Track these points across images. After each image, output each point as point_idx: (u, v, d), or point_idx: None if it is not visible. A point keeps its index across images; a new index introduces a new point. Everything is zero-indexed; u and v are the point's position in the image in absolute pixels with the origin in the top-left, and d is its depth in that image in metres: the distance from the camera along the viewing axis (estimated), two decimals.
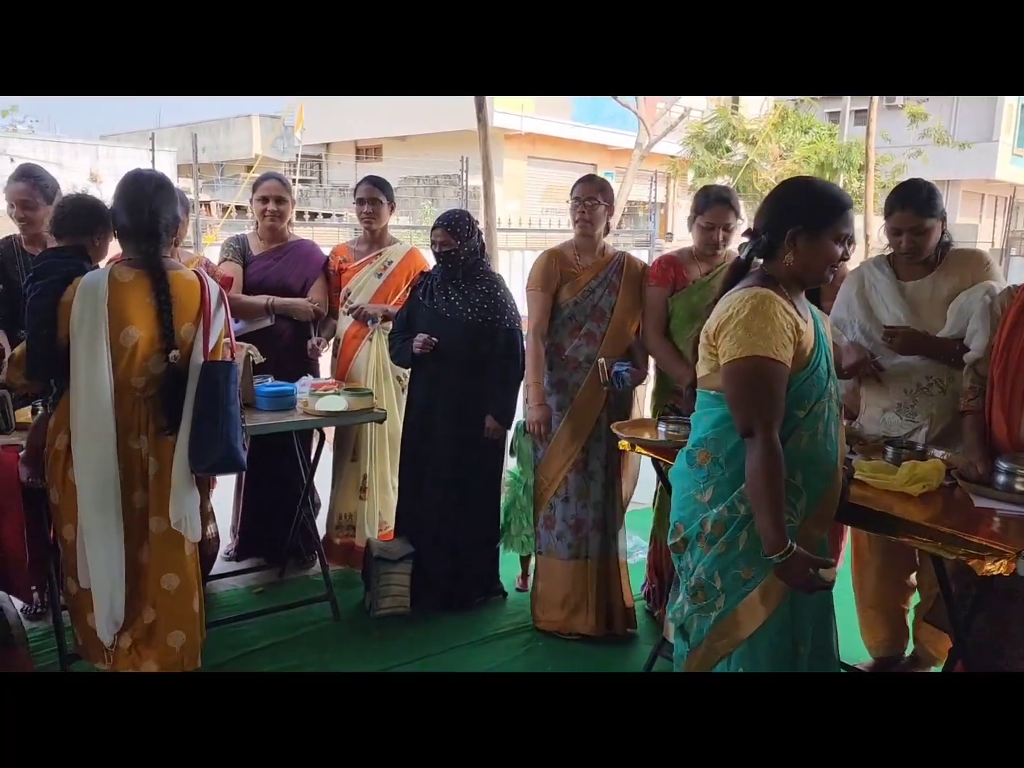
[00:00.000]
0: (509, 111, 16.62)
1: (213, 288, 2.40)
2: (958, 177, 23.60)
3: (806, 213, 1.82)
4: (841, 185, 15.99)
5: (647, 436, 2.59)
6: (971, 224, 22.66)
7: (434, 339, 3.04)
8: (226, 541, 3.56)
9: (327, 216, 15.24)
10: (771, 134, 15.60)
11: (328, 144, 21.38)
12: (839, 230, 1.82)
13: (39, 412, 2.46)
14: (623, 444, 2.67)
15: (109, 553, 2.27)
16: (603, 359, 2.89)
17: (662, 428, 2.54)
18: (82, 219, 2.44)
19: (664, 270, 2.94)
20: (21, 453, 2.37)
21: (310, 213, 14.91)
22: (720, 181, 16.76)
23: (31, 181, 2.93)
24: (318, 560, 3.30)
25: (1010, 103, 25.74)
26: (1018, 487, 2.08)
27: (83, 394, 2.22)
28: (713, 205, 2.84)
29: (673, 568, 3.00)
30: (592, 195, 2.93)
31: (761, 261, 1.91)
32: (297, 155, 16.76)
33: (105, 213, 2.45)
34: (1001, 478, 2.10)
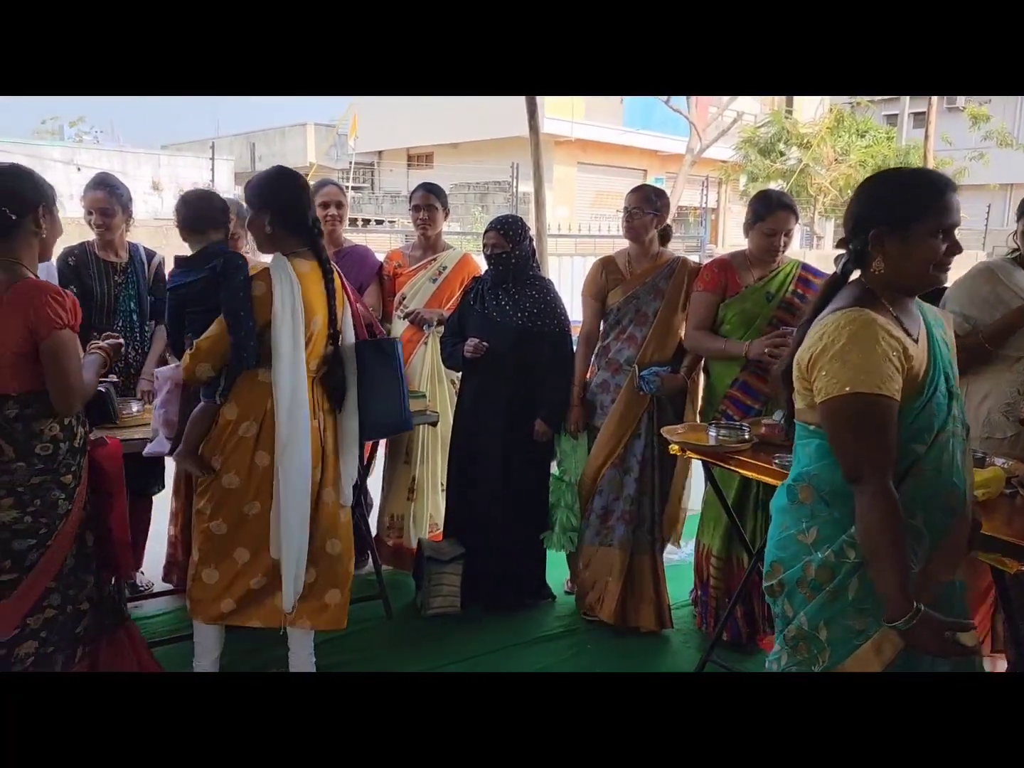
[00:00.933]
0: (559, 117, 16.66)
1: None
2: (1021, 181, 22.93)
3: (888, 209, 1.58)
4: None
5: (698, 440, 2.59)
6: None
7: (485, 343, 3.08)
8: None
9: (379, 222, 15.47)
10: (826, 138, 15.37)
11: (380, 152, 21.70)
12: (934, 221, 1.55)
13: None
14: (673, 448, 2.67)
15: (302, 529, 2.43)
16: (636, 365, 2.98)
17: (712, 433, 2.54)
18: (215, 215, 2.60)
19: (715, 275, 2.93)
20: (178, 449, 2.46)
21: (363, 220, 15.15)
22: (773, 186, 16.55)
23: (108, 189, 3.05)
24: (371, 560, 3.36)
25: None
26: None
27: (287, 380, 2.36)
28: (776, 211, 2.81)
29: (708, 574, 3.02)
30: (638, 205, 3.02)
31: (858, 272, 1.67)
32: (351, 162, 17.07)
33: (227, 208, 2.65)
34: None
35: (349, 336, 2.57)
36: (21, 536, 2.05)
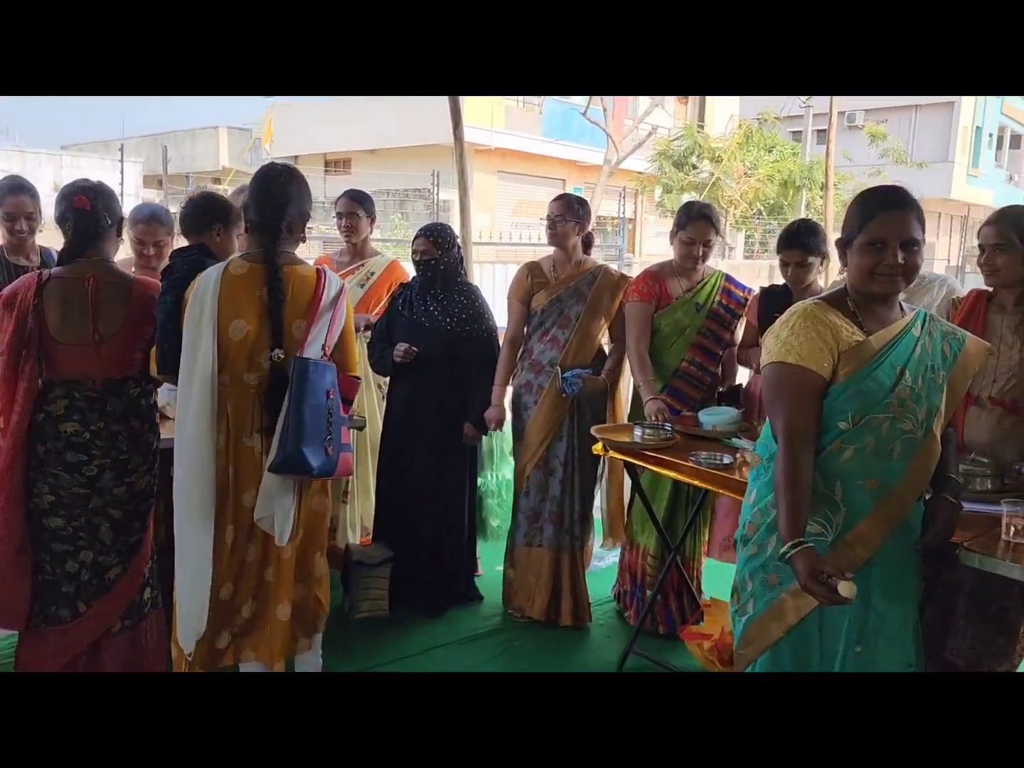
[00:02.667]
0: (479, 126, 16.78)
1: (332, 285, 2.36)
2: (916, 196, 24.26)
3: (845, 222, 1.82)
4: (804, 203, 16.39)
5: (622, 439, 2.70)
6: (929, 242, 23.21)
7: (414, 348, 3.13)
8: None
9: None
10: (736, 152, 15.95)
11: (297, 157, 21.36)
12: (868, 234, 1.75)
13: None
14: (596, 448, 2.78)
15: (199, 561, 2.26)
16: (558, 367, 3.07)
17: (638, 432, 2.65)
18: (198, 217, 2.55)
19: (649, 286, 3.07)
20: None
21: None
22: (687, 197, 17.07)
23: (29, 193, 2.98)
24: None
25: (964, 125, 26.54)
26: (972, 486, 2.23)
27: (183, 388, 2.25)
28: (695, 220, 2.99)
29: (644, 572, 3.15)
30: (560, 213, 3.14)
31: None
32: None
33: (223, 209, 2.58)
34: None
35: (310, 351, 2.29)
36: (147, 497, 2.42)
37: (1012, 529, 1.91)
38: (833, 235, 2.74)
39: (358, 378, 2.55)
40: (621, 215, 11.35)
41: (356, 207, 3.49)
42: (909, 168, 20.21)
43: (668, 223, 3.10)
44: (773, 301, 2.89)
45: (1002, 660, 2.45)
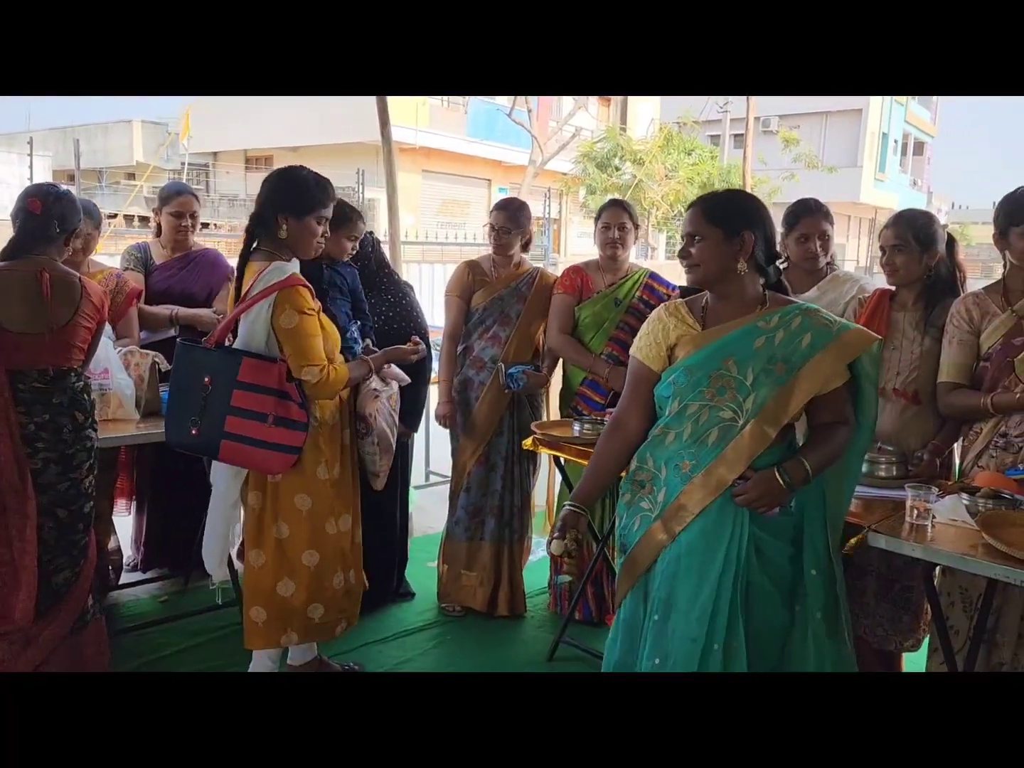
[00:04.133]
0: (404, 125, 16.69)
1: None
2: (827, 199, 25.07)
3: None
4: None
5: (563, 434, 2.79)
6: (839, 244, 24.23)
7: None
8: (128, 552, 3.52)
9: (218, 227, 14.88)
10: (657, 155, 16.30)
11: (216, 153, 20.85)
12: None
13: None
14: (526, 443, 2.84)
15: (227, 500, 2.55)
16: (501, 363, 3.13)
17: (576, 427, 2.75)
18: None
19: (572, 279, 3.19)
20: None
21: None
22: (610, 198, 17.36)
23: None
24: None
25: (872, 131, 27.71)
26: (873, 473, 2.37)
27: None
28: (608, 208, 3.18)
29: (563, 564, 3.23)
30: (504, 225, 3.19)
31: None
32: (183, 163, 16.32)
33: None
34: (864, 466, 2.38)
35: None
36: (89, 499, 2.43)
37: (915, 512, 2.04)
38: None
39: (303, 380, 2.34)
40: (547, 216, 11.44)
41: None
42: (820, 172, 21.02)
43: (592, 224, 3.20)
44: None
45: (908, 636, 2.61)
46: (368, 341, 2.77)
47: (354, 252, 2.97)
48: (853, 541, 2.02)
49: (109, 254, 7.23)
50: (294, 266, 2.37)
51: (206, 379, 2.31)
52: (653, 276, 3.24)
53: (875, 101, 27.13)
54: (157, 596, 3.38)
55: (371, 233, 3.31)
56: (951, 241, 2.61)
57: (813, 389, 1.86)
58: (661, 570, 1.91)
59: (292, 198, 2.35)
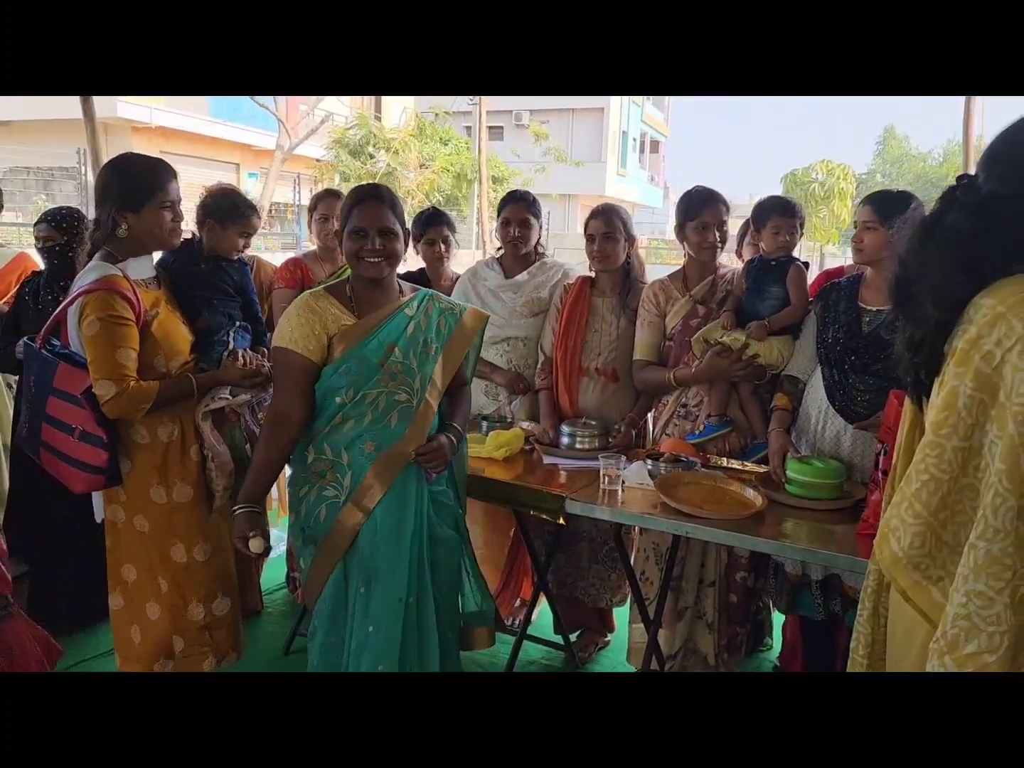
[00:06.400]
0: (136, 102, 15.42)
1: None
2: (576, 192, 26.80)
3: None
4: (476, 195, 17.34)
5: None
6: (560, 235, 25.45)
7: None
8: None
9: None
10: (410, 143, 16.39)
11: None
12: (351, 224, 2.02)
13: None
14: None
15: None
16: None
17: None
18: None
19: (292, 271, 3.12)
20: None
21: None
22: None
23: None
24: None
25: (613, 129, 29.75)
26: (578, 446, 2.58)
27: None
28: (324, 197, 3.17)
29: None
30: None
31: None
32: None
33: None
34: (565, 440, 2.58)
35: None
36: None
37: (607, 479, 2.25)
38: (490, 225, 3.01)
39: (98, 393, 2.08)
40: (297, 203, 11.17)
41: None
42: (568, 166, 22.27)
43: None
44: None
45: (616, 592, 2.88)
46: (263, 350, 2.51)
47: (245, 248, 2.71)
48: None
49: None
50: (118, 268, 2.11)
51: (32, 380, 2.15)
52: None
53: (615, 101, 29.11)
54: None
55: (80, 212, 3.06)
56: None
57: (457, 361, 2.13)
58: (361, 547, 1.98)
59: (124, 192, 2.12)
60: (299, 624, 2.92)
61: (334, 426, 1.99)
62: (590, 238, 2.79)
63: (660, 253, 23.79)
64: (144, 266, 2.22)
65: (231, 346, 2.39)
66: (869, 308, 2.34)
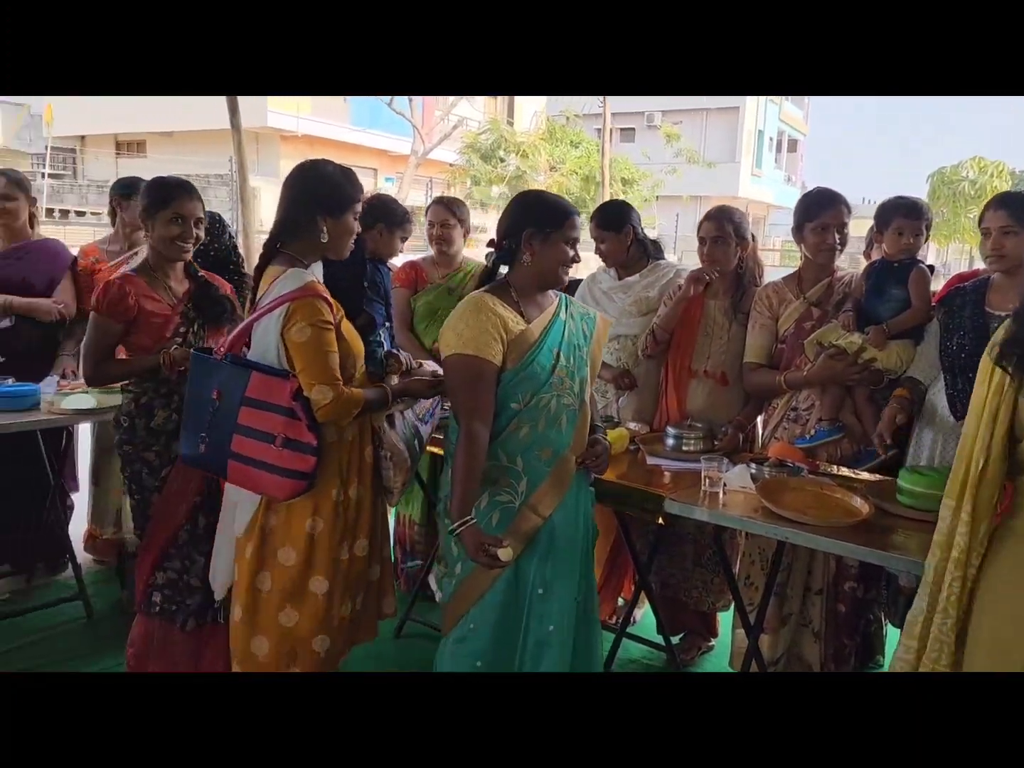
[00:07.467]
0: (284, 112, 16.36)
1: None
2: (707, 194, 26.26)
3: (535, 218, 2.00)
4: (604, 198, 17.35)
5: None
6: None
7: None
8: None
9: (80, 214, 14.20)
10: (540, 147, 16.57)
11: (83, 137, 19.85)
12: (567, 234, 2.00)
13: None
14: None
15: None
16: None
17: None
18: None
19: (408, 273, 3.27)
20: None
21: (61, 211, 13.79)
22: (495, 190, 17.53)
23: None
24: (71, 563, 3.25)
25: (748, 129, 28.97)
26: (683, 448, 2.58)
27: None
28: (431, 206, 3.31)
29: (412, 541, 3.34)
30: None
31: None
32: (47, 147, 15.48)
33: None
34: (670, 441, 2.59)
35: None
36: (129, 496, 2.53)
37: (708, 480, 2.25)
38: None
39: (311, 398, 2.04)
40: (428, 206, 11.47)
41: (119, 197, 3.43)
42: (700, 167, 21.86)
43: (477, 214, 3.29)
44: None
45: (720, 597, 2.85)
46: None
47: (401, 252, 2.90)
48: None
49: None
50: (313, 273, 2.12)
51: (214, 392, 2.09)
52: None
53: (751, 100, 28.33)
54: None
55: (219, 215, 3.31)
56: (752, 237, 2.85)
57: (598, 365, 2.18)
58: (538, 550, 2.01)
59: (329, 197, 2.11)
60: (410, 609, 3.05)
61: (509, 432, 1.99)
62: (701, 241, 2.79)
63: (794, 256, 22.96)
64: (319, 271, 2.20)
65: (385, 347, 2.44)
66: (997, 313, 2.22)
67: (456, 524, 1.88)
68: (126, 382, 2.52)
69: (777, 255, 24.82)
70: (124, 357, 2.54)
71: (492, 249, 2.09)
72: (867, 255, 3.42)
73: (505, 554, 1.85)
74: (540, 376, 1.98)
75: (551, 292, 2.11)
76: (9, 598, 3.27)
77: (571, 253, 2.02)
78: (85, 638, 3.01)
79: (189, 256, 2.56)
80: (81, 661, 2.84)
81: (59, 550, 3.39)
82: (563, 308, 2.10)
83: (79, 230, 9.52)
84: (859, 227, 3.24)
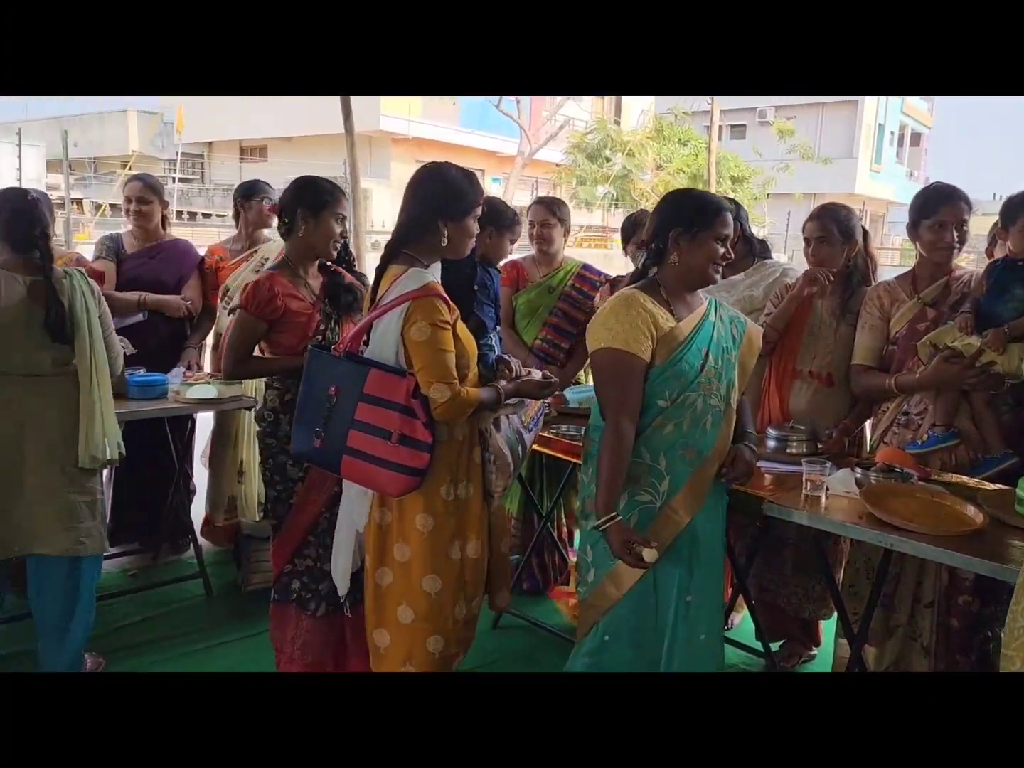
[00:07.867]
0: (396, 115, 16.80)
1: None
2: (822, 191, 25.29)
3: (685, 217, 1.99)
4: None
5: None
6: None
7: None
8: None
9: (207, 216, 14.98)
10: (646, 145, 16.40)
11: (211, 143, 20.97)
12: (717, 231, 1.98)
13: None
14: None
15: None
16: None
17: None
18: None
19: (509, 272, 3.33)
20: None
21: (189, 213, 14.58)
22: (601, 190, 17.48)
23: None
24: (192, 544, 3.47)
25: (868, 123, 27.74)
26: (789, 450, 2.52)
27: None
28: (533, 206, 3.35)
29: (510, 535, 3.39)
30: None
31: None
32: (177, 153, 16.44)
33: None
34: (772, 443, 2.54)
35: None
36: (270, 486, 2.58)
37: (809, 484, 2.19)
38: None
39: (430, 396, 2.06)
40: None
41: (243, 200, 3.61)
42: (815, 163, 21.11)
43: (582, 214, 3.34)
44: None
45: (821, 605, 2.78)
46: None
47: (510, 255, 3.00)
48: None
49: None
50: (432, 274, 2.16)
51: (332, 389, 2.14)
52: (586, 267, 3.39)
53: None
54: (126, 570, 3.54)
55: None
56: (865, 234, 2.76)
57: (748, 370, 2.15)
58: (680, 553, 2.00)
59: (452, 200, 2.14)
60: None
61: (654, 428, 1.98)
62: (806, 241, 2.74)
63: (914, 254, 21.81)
64: (437, 272, 2.23)
65: (496, 351, 2.46)
66: None
67: (602, 520, 1.86)
68: (271, 378, 2.55)
69: (897, 254, 23.65)
70: (265, 355, 2.59)
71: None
72: (989, 253, 3.25)
73: (650, 555, 1.80)
74: (688, 374, 1.97)
75: (701, 294, 2.11)
76: (136, 574, 3.52)
77: (722, 251, 2.00)
78: (204, 614, 3.21)
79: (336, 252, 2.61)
80: (200, 635, 3.04)
81: (182, 530, 3.62)
82: (713, 310, 2.09)
83: (206, 231, 10.07)
84: (986, 224, 3.08)
